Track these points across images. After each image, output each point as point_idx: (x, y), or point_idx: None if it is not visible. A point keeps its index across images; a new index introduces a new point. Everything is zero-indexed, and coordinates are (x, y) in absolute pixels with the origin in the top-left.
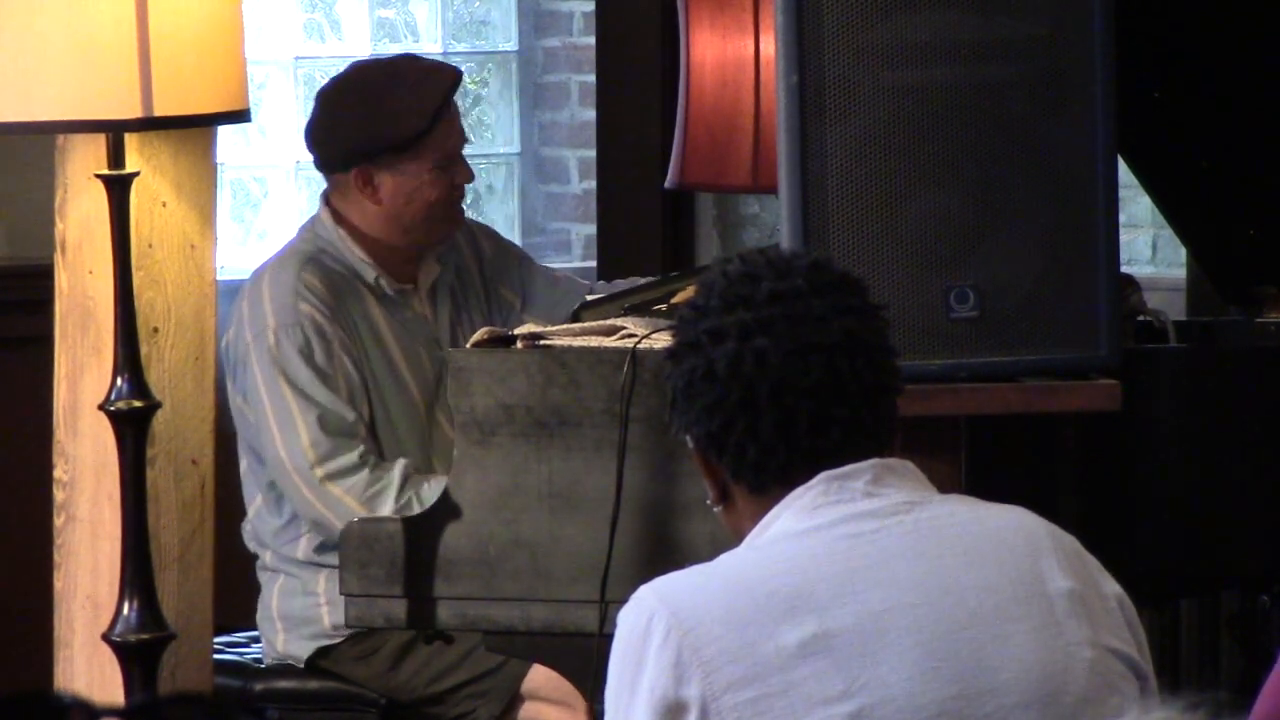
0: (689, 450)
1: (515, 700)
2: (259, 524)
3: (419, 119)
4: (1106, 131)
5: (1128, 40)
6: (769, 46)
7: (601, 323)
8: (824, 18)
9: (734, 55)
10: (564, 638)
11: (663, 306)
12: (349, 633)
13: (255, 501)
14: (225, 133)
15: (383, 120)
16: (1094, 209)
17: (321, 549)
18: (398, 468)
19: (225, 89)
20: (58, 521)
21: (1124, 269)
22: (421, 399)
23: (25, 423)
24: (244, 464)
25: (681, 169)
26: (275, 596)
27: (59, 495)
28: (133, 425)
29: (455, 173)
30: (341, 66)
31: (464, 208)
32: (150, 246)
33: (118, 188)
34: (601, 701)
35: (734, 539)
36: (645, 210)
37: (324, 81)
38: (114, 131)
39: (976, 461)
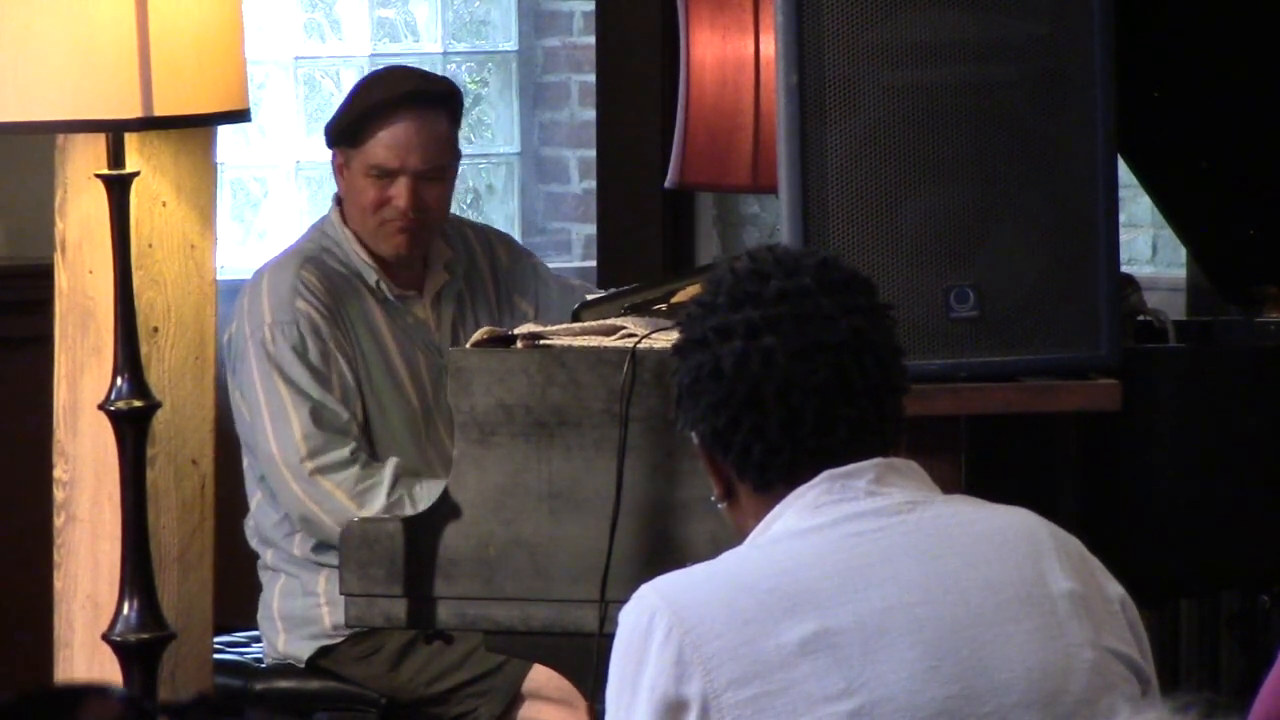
0: (692, 448)
1: (516, 699)
2: (260, 518)
3: (354, 112)
4: (1106, 131)
5: (1128, 40)
6: (769, 46)
7: (601, 322)
8: (824, 18)
9: (734, 55)
10: (564, 638)
11: (663, 306)
12: (349, 633)
13: (255, 497)
14: (225, 133)
15: (346, 103)
16: (1094, 209)
17: (320, 548)
18: (389, 466)
19: (225, 89)
20: (58, 521)
21: (1124, 269)
22: (418, 403)
23: (25, 423)
24: (245, 460)
25: (681, 169)
26: (276, 596)
27: (59, 495)
28: (133, 425)
29: (394, 191)
30: (341, 67)
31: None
32: (150, 246)
33: (118, 188)
34: (602, 701)
35: (738, 535)
36: (645, 210)
37: (324, 81)
38: (114, 131)
39: (976, 461)
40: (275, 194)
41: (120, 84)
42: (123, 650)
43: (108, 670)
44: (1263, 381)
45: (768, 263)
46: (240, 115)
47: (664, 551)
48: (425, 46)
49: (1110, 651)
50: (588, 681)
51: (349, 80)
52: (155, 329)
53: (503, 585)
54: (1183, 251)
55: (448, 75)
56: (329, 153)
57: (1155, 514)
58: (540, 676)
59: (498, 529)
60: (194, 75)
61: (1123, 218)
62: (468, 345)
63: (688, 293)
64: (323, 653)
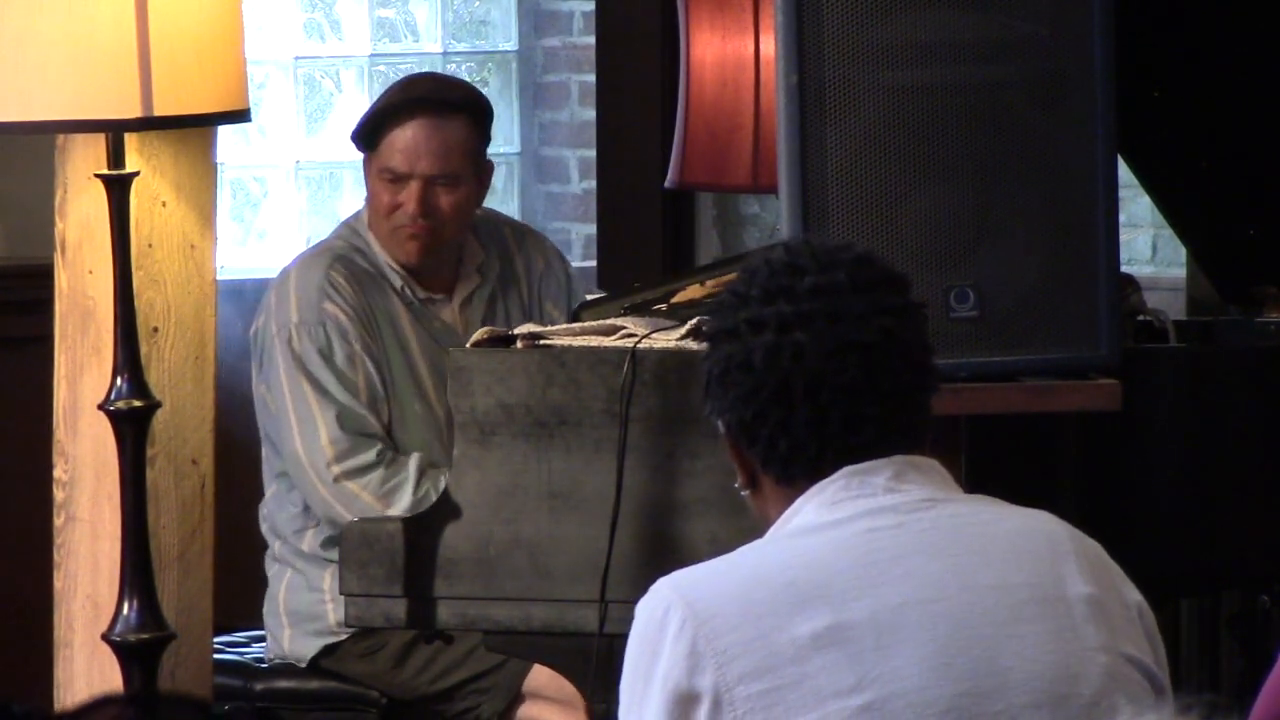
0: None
1: (518, 697)
2: (274, 509)
3: (373, 116)
4: (1106, 131)
5: (1128, 40)
6: (769, 46)
7: (601, 322)
8: (824, 18)
9: (734, 55)
10: (564, 638)
11: (663, 306)
12: (353, 630)
13: (271, 488)
14: (225, 132)
15: (370, 106)
16: (1094, 209)
17: (328, 543)
18: (413, 461)
19: (225, 89)
20: (58, 521)
21: (1124, 269)
22: (440, 407)
23: (25, 423)
24: (264, 449)
25: (681, 169)
26: (282, 591)
27: (59, 495)
28: (133, 425)
29: (404, 196)
30: (341, 66)
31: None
32: (150, 246)
33: (118, 188)
34: (602, 701)
35: (761, 524)
36: (645, 210)
37: (324, 81)
38: (114, 131)
39: (976, 461)
40: (275, 194)
41: (120, 84)
42: (123, 650)
43: (108, 670)
44: (1263, 381)
45: (803, 256)
46: (240, 115)
47: (664, 551)
48: (425, 46)
49: (1125, 657)
50: (587, 681)
51: (349, 80)
52: (155, 329)
53: (503, 585)
54: (1183, 251)
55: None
56: (329, 153)
57: (1155, 514)
58: (541, 675)
59: (498, 529)
60: (194, 75)
61: (1123, 218)
62: (468, 345)
63: (688, 293)
64: (327, 651)
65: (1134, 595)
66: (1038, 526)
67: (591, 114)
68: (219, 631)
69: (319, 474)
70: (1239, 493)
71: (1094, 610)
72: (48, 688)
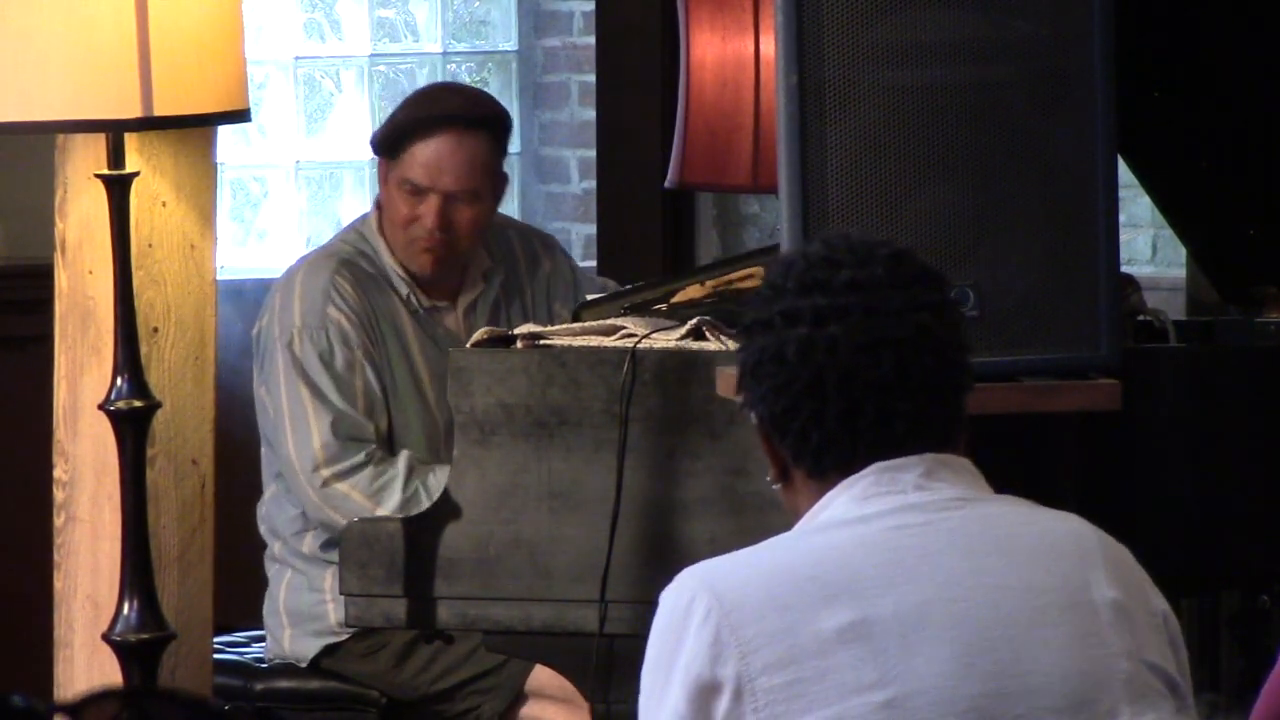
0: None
1: (519, 697)
2: (273, 510)
3: (397, 125)
4: (1106, 131)
5: (1128, 40)
6: (769, 46)
7: (601, 322)
8: (824, 18)
9: (734, 55)
10: (564, 638)
11: (663, 306)
12: (354, 630)
13: (270, 487)
14: (225, 133)
15: (393, 114)
16: (1094, 209)
17: (327, 545)
18: (402, 459)
19: (225, 89)
20: (58, 521)
21: (1124, 269)
22: (441, 413)
23: (25, 423)
24: (264, 449)
25: (681, 169)
26: (282, 592)
27: (59, 495)
28: (133, 425)
29: (423, 209)
30: (341, 66)
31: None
32: (150, 246)
33: (118, 188)
34: (602, 701)
35: (792, 517)
36: (645, 210)
37: (324, 81)
38: (114, 131)
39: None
40: (275, 194)
41: (120, 84)
42: (123, 650)
43: (108, 670)
44: (1263, 381)
45: (841, 250)
46: (240, 115)
47: (664, 551)
48: (425, 46)
49: (1147, 665)
50: (588, 681)
51: (349, 80)
52: (155, 329)
53: (503, 585)
54: (1183, 251)
55: (449, 76)
56: (329, 153)
57: (1155, 514)
58: (543, 675)
59: (498, 529)
60: (194, 75)
61: (1123, 218)
62: (468, 345)
63: (688, 293)
64: (327, 651)
65: (1160, 602)
66: (1067, 529)
67: (591, 114)
68: (219, 631)
69: (308, 477)
70: (1239, 493)
71: (1119, 616)
72: (48, 688)
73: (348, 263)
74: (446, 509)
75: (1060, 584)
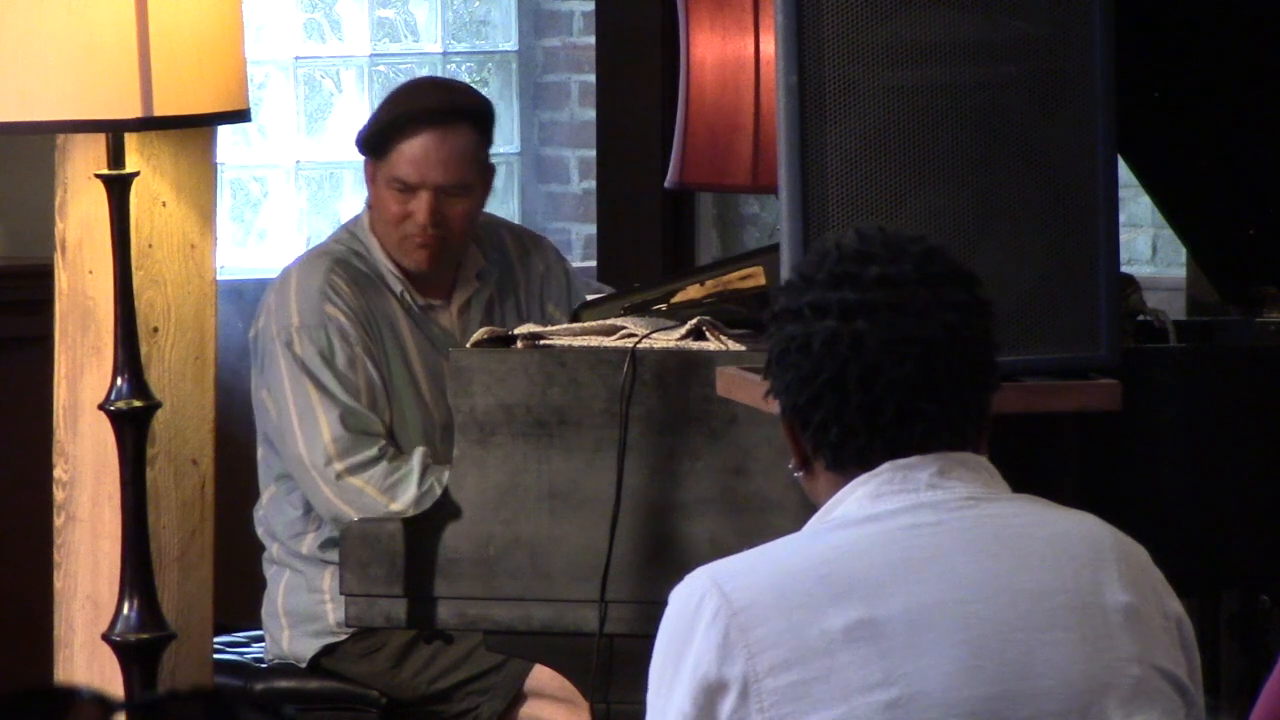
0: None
1: (518, 697)
2: (271, 512)
3: (381, 123)
4: (1106, 131)
5: (1128, 40)
6: (769, 46)
7: (601, 323)
8: (824, 18)
9: (734, 55)
10: (564, 637)
11: (663, 306)
12: (353, 630)
13: (268, 491)
14: (225, 133)
15: (375, 113)
16: (1094, 209)
17: (326, 545)
18: (416, 456)
19: (225, 89)
20: (58, 521)
21: (1124, 269)
22: (437, 412)
23: (25, 423)
24: (260, 451)
25: (681, 169)
26: (281, 592)
27: (59, 495)
28: (133, 425)
29: (414, 206)
30: (341, 67)
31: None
32: (150, 246)
33: (118, 188)
34: (602, 701)
35: (813, 505)
36: (645, 210)
37: (324, 81)
38: (114, 131)
39: None
40: (275, 194)
41: (120, 84)
42: (123, 650)
43: (108, 670)
44: (1263, 381)
45: (874, 244)
46: (240, 115)
47: (664, 551)
48: (425, 46)
49: (1158, 670)
50: (588, 681)
51: (349, 80)
52: (155, 329)
53: (503, 585)
54: (1183, 251)
55: (450, 76)
56: (329, 153)
57: (1155, 514)
58: (542, 675)
59: (498, 529)
60: (194, 75)
61: (1123, 218)
62: (468, 345)
63: (688, 293)
64: (326, 651)
65: (1175, 606)
66: (1081, 531)
67: (591, 114)
68: (219, 631)
69: (321, 473)
70: (1239, 493)
71: (1130, 620)
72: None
73: (342, 261)
74: (446, 509)
75: (1071, 586)
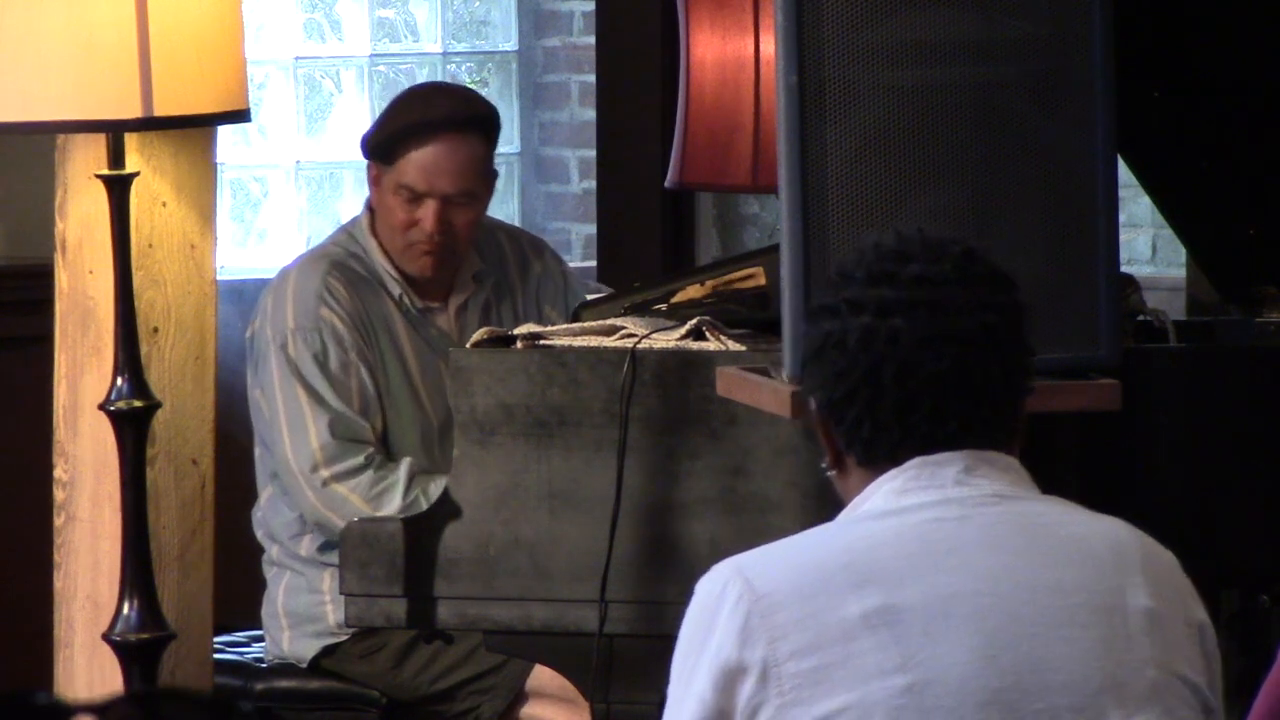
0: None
1: (519, 697)
2: (269, 513)
3: (390, 129)
4: (1106, 131)
5: (1128, 40)
6: (769, 46)
7: (601, 323)
8: (824, 18)
9: (734, 55)
10: (564, 637)
11: (663, 306)
12: (353, 630)
13: (266, 491)
14: (225, 133)
15: (383, 117)
16: (1094, 209)
17: (325, 547)
18: (403, 466)
19: (225, 89)
20: (58, 521)
21: (1124, 269)
22: (435, 415)
23: (25, 423)
24: (257, 451)
25: (681, 169)
26: (281, 593)
27: (59, 495)
28: (133, 425)
29: (421, 214)
30: (341, 67)
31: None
32: (150, 246)
33: (118, 188)
34: (602, 700)
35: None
36: (645, 210)
37: (324, 81)
38: (114, 131)
39: None
40: (275, 194)
41: (120, 84)
42: (123, 650)
43: (108, 670)
44: (1263, 381)
45: (913, 244)
46: (240, 115)
47: (664, 551)
48: (425, 46)
49: (1176, 676)
50: (588, 681)
51: (349, 80)
52: (155, 329)
53: (503, 585)
54: (1183, 251)
55: (449, 76)
56: (329, 153)
57: (1155, 514)
58: (543, 674)
59: (498, 529)
60: (194, 75)
61: (1123, 218)
62: (468, 345)
63: (688, 293)
64: (326, 651)
65: (1199, 613)
66: (1107, 534)
67: (591, 114)
68: (219, 631)
69: (307, 479)
70: (1239, 493)
71: (1151, 624)
72: (48, 688)
73: (339, 264)
74: (447, 509)
75: (1092, 586)
